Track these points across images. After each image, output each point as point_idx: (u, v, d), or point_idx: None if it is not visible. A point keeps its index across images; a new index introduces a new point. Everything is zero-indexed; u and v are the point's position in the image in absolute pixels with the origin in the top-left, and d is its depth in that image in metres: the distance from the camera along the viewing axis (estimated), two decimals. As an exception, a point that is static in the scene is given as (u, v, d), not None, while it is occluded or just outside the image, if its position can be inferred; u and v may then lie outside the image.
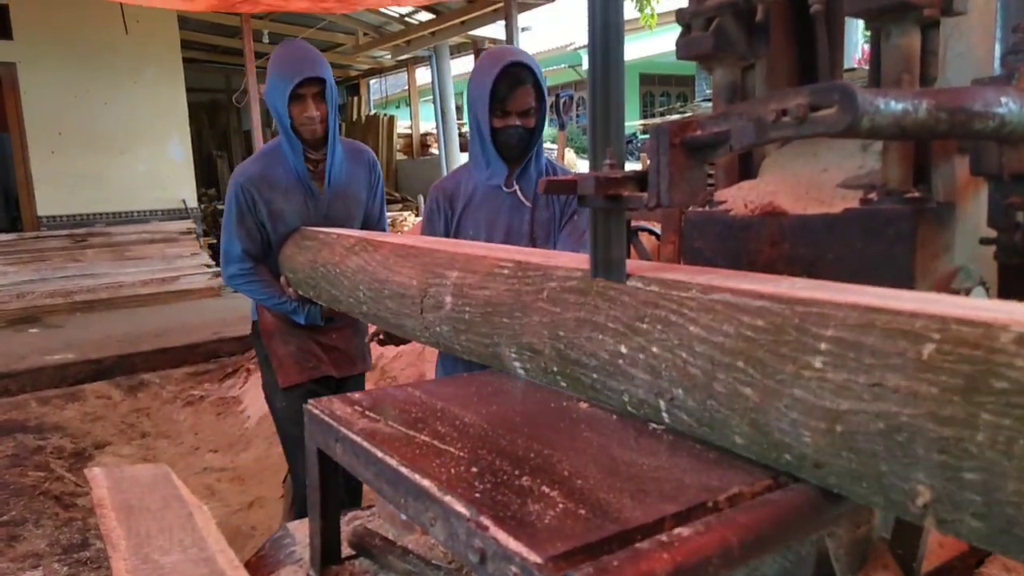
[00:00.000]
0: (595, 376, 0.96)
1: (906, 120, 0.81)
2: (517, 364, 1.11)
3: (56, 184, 7.46)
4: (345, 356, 2.33)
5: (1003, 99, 0.88)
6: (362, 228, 2.27)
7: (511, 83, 1.80)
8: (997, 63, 1.06)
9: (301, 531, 1.29)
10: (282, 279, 2.15)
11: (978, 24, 1.06)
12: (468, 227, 1.95)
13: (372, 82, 14.61)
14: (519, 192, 1.92)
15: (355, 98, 13.78)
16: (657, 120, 13.98)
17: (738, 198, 1.24)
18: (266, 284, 2.17)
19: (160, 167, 8.07)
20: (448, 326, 1.26)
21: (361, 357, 2.40)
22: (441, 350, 1.51)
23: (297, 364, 2.23)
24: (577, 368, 0.99)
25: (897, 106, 0.80)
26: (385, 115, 12.89)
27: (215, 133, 12.58)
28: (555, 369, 1.04)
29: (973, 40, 1.07)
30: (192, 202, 8.32)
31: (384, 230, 2.37)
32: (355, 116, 13.35)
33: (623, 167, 0.97)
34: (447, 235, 1.96)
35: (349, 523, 1.27)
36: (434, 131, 11.98)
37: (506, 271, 1.16)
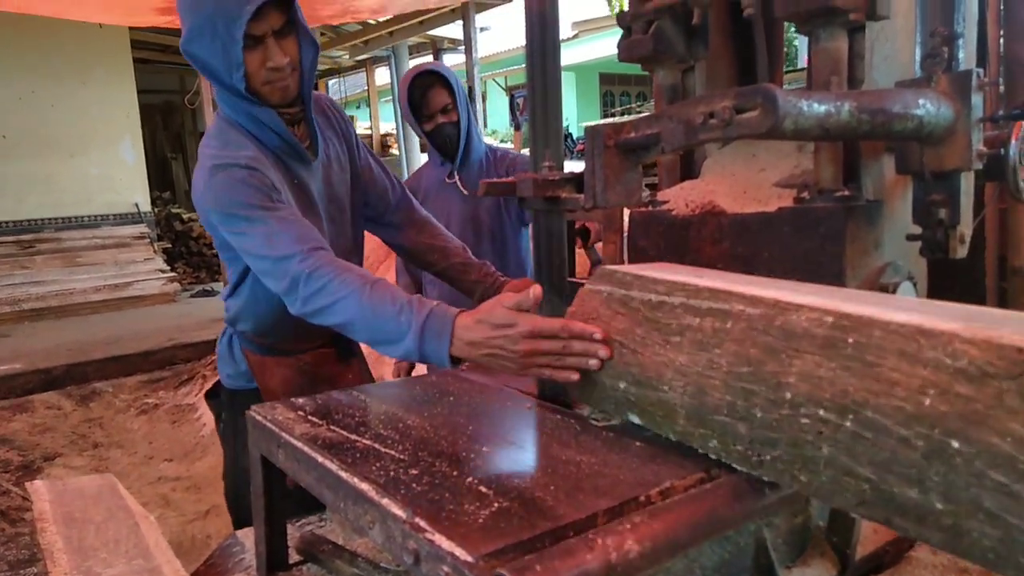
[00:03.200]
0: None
1: (829, 122, 0.84)
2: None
3: (2, 189, 7.22)
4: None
5: (921, 101, 0.91)
6: (375, 207, 1.64)
7: (422, 89, 2.06)
8: (917, 66, 1.10)
9: (250, 538, 1.28)
10: None
11: (902, 28, 1.10)
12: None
13: (331, 82, 14.46)
14: (459, 183, 2.15)
15: (313, 99, 13.59)
16: (615, 120, 14.09)
17: (680, 198, 1.27)
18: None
19: (112, 170, 7.86)
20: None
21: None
22: None
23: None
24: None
25: (820, 108, 0.82)
26: (344, 116, 12.75)
27: (169, 135, 12.31)
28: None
29: (897, 44, 1.11)
30: (145, 206, 8.12)
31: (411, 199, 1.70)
32: (314, 117, 13.17)
33: (561, 169, 0.99)
34: None
35: (299, 529, 1.26)
36: (394, 132, 11.91)
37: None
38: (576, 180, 0.94)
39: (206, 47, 1.30)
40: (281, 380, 1.52)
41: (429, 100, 2.07)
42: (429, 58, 10.47)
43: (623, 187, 0.89)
